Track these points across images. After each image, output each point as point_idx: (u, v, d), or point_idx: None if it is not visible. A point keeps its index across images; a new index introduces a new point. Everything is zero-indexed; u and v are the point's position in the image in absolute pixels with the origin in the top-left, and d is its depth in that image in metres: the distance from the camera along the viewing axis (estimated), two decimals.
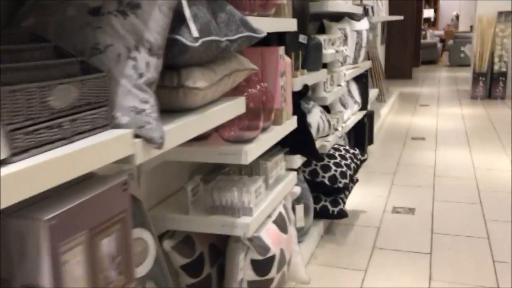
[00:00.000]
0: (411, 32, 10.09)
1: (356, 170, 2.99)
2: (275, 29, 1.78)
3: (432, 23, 16.48)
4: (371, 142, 4.40)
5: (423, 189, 3.50)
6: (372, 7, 5.11)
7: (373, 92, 4.78)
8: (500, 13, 7.03)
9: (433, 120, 5.92)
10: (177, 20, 1.12)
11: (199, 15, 1.18)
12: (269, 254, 1.67)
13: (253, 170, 1.88)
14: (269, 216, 1.79)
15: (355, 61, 3.54)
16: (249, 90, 1.64)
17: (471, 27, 7.57)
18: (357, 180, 3.02)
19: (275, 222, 1.80)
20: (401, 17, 7.18)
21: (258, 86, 1.72)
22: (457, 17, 15.67)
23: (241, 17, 1.40)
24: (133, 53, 0.97)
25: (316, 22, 3.20)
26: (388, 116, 6.04)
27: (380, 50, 7.74)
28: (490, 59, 7.15)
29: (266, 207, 1.73)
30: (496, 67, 7.14)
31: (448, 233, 2.76)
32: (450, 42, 12.33)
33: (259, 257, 1.65)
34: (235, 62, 1.45)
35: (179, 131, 1.10)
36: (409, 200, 3.28)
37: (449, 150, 4.52)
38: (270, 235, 1.72)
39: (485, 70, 7.20)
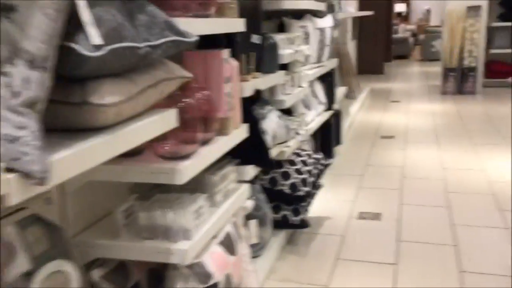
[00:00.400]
0: (383, 27, 10.04)
1: (319, 176, 2.84)
2: (216, 31, 1.61)
3: (404, 18, 16.52)
4: (339, 142, 4.27)
5: (390, 192, 3.38)
6: (339, 2, 4.98)
7: (341, 91, 4.66)
8: (469, 8, 6.99)
9: (403, 117, 5.84)
10: (75, 25, 0.93)
11: (105, 17, 1.00)
12: (212, 282, 1.50)
13: (197, 185, 1.70)
14: (214, 237, 1.62)
15: (318, 60, 3.39)
16: (186, 100, 1.47)
17: (442, 21, 7.53)
18: (321, 186, 2.88)
19: (221, 243, 1.64)
20: (371, 13, 7.09)
21: (198, 95, 1.55)
22: (429, 11, 15.75)
23: (165, 19, 1.22)
24: (5, 67, 0.79)
25: (276, 20, 3.03)
26: (358, 114, 5.94)
27: (351, 46, 7.64)
28: (460, 54, 7.12)
29: (210, 228, 1.56)
30: (466, 62, 7.11)
31: (415, 240, 2.64)
32: (422, 36, 12.35)
33: (200, 286, 1.48)
34: (162, 70, 1.27)
35: (77, 158, 0.92)
36: (376, 205, 3.16)
37: (419, 149, 4.42)
38: (214, 259, 1.55)
39: (455, 66, 7.16)
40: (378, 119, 5.78)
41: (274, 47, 2.30)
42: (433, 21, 14.83)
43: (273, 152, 2.27)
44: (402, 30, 13.89)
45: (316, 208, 2.99)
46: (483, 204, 3.11)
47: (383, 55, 10.20)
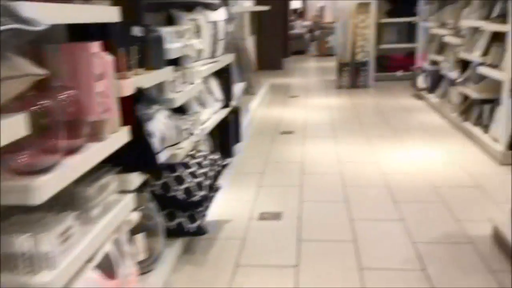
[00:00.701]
0: (280, 23, 10.15)
1: (217, 178, 2.69)
2: (81, 19, 1.38)
3: (300, 14, 16.93)
4: (238, 140, 4.15)
5: (291, 189, 3.32)
6: None
7: (239, 86, 4.55)
8: (359, 5, 7.24)
9: (302, 112, 5.89)
10: None
11: None
12: None
13: (69, 201, 1.46)
14: (89, 261, 1.40)
15: (213, 54, 3.23)
16: (44, 101, 1.23)
17: (336, 18, 7.80)
18: (219, 188, 2.73)
19: (99, 266, 1.42)
20: (267, 8, 7.08)
21: (61, 95, 1.31)
22: (323, 8, 16.27)
23: (4, 4, 0.98)
24: None
25: (164, 12, 2.82)
26: (258, 110, 5.88)
27: (250, 41, 7.58)
28: (352, 49, 7.36)
29: (82, 250, 1.34)
30: (358, 57, 7.37)
31: (316, 239, 2.59)
32: (318, 32, 12.71)
33: None
34: (5, 67, 1.03)
35: None
36: (277, 203, 3.08)
37: (317, 143, 4.45)
38: (89, 286, 1.33)
39: (348, 61, 7.39)
40: (278, 114, 5.77)
41: (159, 40, 2.10)
42: (327, 18, 15.34)
43: (162, 156, 2.07)
44: (299, 26, 14.22)
45: (215, 211, 2.83)
46: (378, 196, 3.15)
47: (282, 51, 10.32)
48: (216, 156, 2.72)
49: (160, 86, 2.30)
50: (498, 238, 2.46)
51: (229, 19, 3.74)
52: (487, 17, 4.18)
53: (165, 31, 2.27)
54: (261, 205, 3.06)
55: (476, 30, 4.48)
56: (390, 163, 3.81)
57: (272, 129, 5.03)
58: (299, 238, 2.59)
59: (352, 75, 7.41)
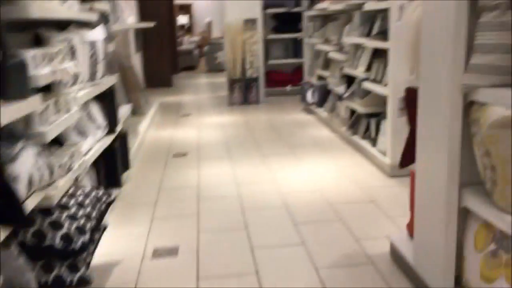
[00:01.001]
0: (168, 39, 9.91)
1: (102, 216, 2.40)
2: None
3: (188, 30, 16.80)
4: (127, 167, 3.85)
5: (187, 218, 3.11)
6: (115, 12, 4.56)
7: (126, 109, 4.25)
8: (246, 21, 7.27)
9: (194, 131, 5.70)
10: None
11: None
12: None
13: None
14: None
15: (92, 77, 2.93)
16: None
17: (223, 33, 7.79)
18: (106, 227, 2.44)
19: None
20: (151, 24, 6.82)
21: None
22: (210, 23, 16.30)
23: None
24: None
25: (30, 32, 2.47)
26: (148, 132, 5.59)
27: (137, 59, 7.26)
28: (242, 65, 7.35)
29: None
30: (248, 73, 7.38)
31: (215, 275, 2.40)
32: (206, 48, 12.65)
33: None
34: None
35: None
36: (172, 237, 2.85)
37: (212, 165, 4.29)
38: None
39: (239, 77, 7.37)
40: (170, 135, 5.53)
41: (20, 66, 1.79)
42: (215, 33, 15.39)
43: (31, 203, 1.76)
44: (187, 42, 14.06)
45: (102, 252, 2.53)
46: (278, 219, 3.06)
47: (171, 67, 10.07)
48: (100, 191, 2.43)
49: (26, 119, 1.98)
50: (395, 256, 2.47)
51: (109, 38, 3.46)
52: (368, 34, 4.35)
53: (30, 54, 1.96)
54: (154, 240, 2.81)
55: (358, 47, 4.65)
56: (287, 181, 3.77)
57: (164, 152, 4.77)
58: (197, 276, 2.39)
59: (243, 91, 7.39)
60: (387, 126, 3.93)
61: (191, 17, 17.50)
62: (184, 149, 4.85)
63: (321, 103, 6.10)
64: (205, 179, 3.89)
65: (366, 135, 4.51)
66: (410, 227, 2.47)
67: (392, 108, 3.79)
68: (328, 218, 3.04)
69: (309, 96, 6.40)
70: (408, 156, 2.43)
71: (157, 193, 3.60)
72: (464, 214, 1.93)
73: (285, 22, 7.84)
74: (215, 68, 11.95)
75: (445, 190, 1.92)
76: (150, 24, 6.68)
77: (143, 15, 8.23)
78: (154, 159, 4.53)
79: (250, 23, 7.28)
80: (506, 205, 1.64)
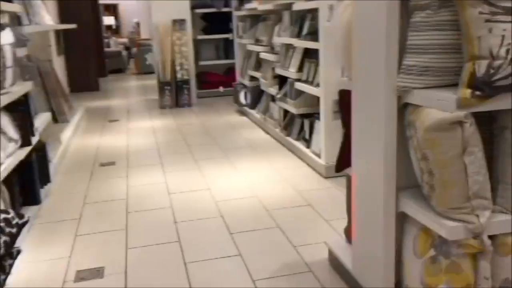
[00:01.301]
0: (93, 41, 9.45)
1: (14, 241, 2.14)
2: None
3: (115, 31, 16.21)
4: (47, 181, 3.55)
5: (114, 234, 2.89)
6: (28, 14, 4.21)
7: (44, 117, 3.92)
8: (174, 21, 7.04)
9: (123, 137, 5.41)
10: None
11: None
12: None
13: None
14: None
15: (0, 86, 2.64)
16: None
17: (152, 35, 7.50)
18: (19, 253, 2.18)
19: None
20: (73, 26, 6.44)
21: None
22: (138, 24, 15.82)
23: None
24: None
25: None
26: (73, 140, 5.24)
27: (59, 62, 6.83)
28: (172, 67, 7.12)
29: None
30: (179, 75, 7.15)
31: None
32: (135, 50, 12.23)
33: None
34: None
35: None
36: (97, 256, 2.62)
37: (142, 174, 4.06)
38: None
39: (169, 79, 7.13)
40: (96, 143, 5.21)
41: None
42: (143, 34, 14.94)
43: None
44: (114, 44, 13.53)
45: (17, 279, 2.27)
46: (213, 229, 2.91)
47: (97, 70, 9.61)
48: (9, 215, 2.16)
49: None
50: (334, 263, 2.40)
51: (21, 41, 3.15)
52: (298, 35, 4.29)
53: None
54: (78, 261, 2.57)
55: (289, 47, 4.59)
56: (221, 188, 3.62)
57: (90, 162, 4.47)
58: None
59: (174, 94, 7.16)
60: (320, 127, 3.89)
61: (118, 18, 16.90)
62: (112, 158, 4.57)
63: (254, 104, 6.01)
64: (134, 190, 3.66)
65: (300, 136, 4.46)
66: (348, 231, 2.41)
67: (325, 109, 3.76)
68: (265, 226, 2.93)
69: (242, 97, 6.30)
70: (343, 160, 2.36)
71: (81, 207, 3.34)
72: (404, 219, 1.88)
73: (215, 22, 7.68)
74: (145, 70, 11.57)
75: (382, 195, 1.86)
76: (71, 26, 6.30)
77: (65, 16, 7.78)
78: (79, 170, 4.22)
79: (178, 23, 7.06)
80: (444, 210, 1.59)
